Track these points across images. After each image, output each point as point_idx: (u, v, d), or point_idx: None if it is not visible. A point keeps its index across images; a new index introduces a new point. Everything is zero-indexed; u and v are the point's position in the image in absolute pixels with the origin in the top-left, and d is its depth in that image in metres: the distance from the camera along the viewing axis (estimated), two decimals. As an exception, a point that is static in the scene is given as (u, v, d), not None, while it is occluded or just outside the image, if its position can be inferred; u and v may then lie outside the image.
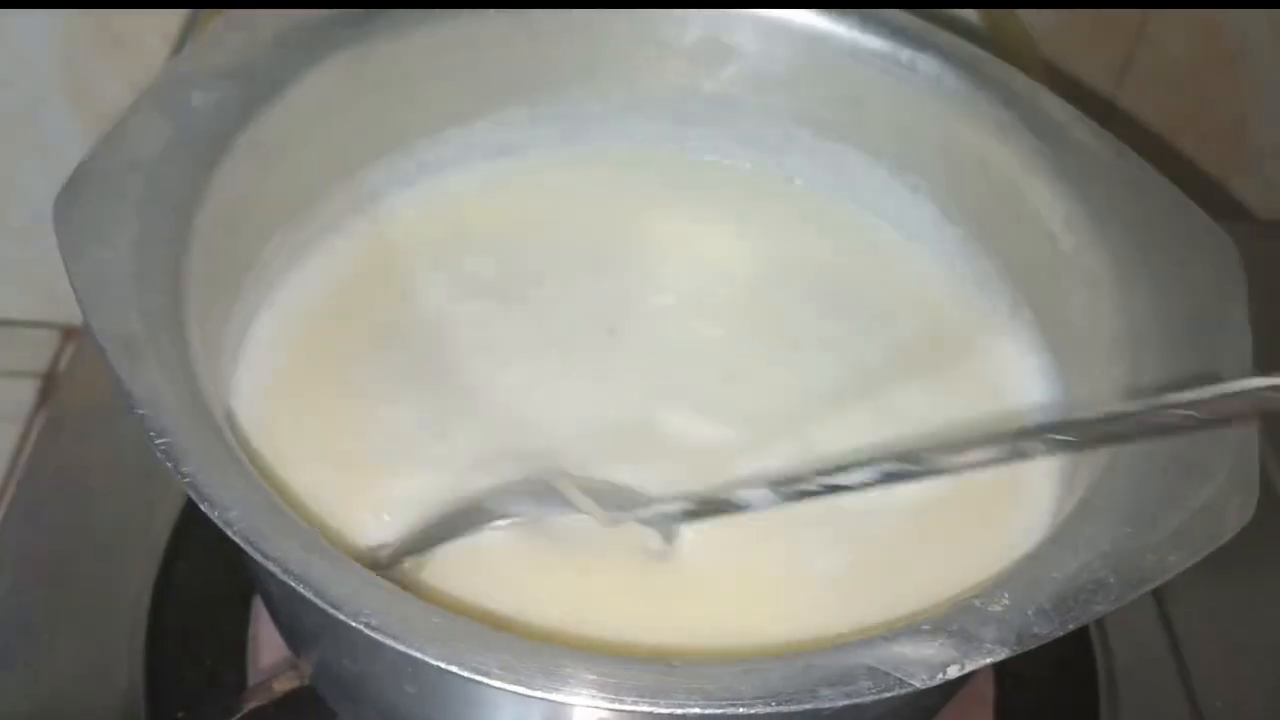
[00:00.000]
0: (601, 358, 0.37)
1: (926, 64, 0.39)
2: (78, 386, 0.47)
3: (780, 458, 0.35)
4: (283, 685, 0.34)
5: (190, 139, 0.32)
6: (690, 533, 0.32)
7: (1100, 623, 0.43)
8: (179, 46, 0.56)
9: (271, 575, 0.30)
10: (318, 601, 0.24)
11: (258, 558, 0.25)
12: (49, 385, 0.67)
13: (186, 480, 0.25)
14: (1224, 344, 0.32)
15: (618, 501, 0.32)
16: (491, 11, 0.39)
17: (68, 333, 0.69)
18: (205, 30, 0.35)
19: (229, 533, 0.25)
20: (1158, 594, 0.44)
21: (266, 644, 0.40)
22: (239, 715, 0.34)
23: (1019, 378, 0.38)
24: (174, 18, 0.56)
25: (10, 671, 0.38)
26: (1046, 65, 0.58)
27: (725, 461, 0.35)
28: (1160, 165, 0.37)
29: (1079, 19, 0.58)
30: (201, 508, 0.25)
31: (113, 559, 0.41)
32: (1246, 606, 0.45)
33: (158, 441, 0.26)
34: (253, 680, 0.38)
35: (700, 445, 0.35)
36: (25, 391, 0.66)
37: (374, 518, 0.32)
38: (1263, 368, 0.30)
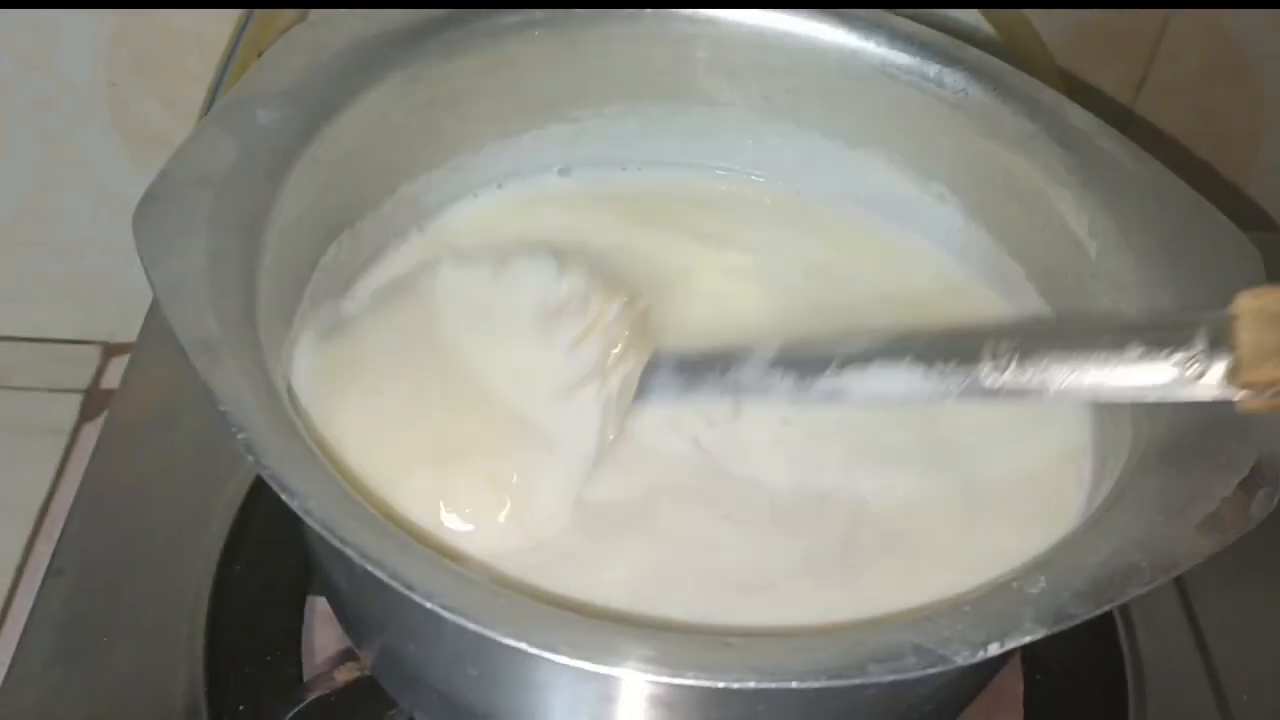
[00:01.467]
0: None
1: (953, 79, 0.41)
2: (131, 398, 0.49)
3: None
4: (344, 676, 0.35)
5: (256, 155, 0.34)
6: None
7: (1127, 618, 0.44)
8: (221, 69, 0.58)
9: (341, 565, 0.31)
10: (394, 584, 0.26)
11: (336, 543, 0.26)
12: (90, 400, 0.68)
13: (268, 471, 0.27)
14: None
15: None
16: (537, 32, 0.40)
17: (109, 349, 0.71)
18: (267, 53, 0.36)
19: (309, 520, 0.26)
20: (1183, 590, 0.45)
21: (322, 642, 0.42)
22: (303, 704, 0.35)
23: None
24: (215, 42, 0.58)
25: (74, 671, 0.39)
26: (1063, 73, 0.59)
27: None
28: (1180, 173, 0.39)
29: (1094, 33, 0.60)
30: (282, 497, 0.27)
31: (170, 563, 0.42)
32: (1271, 601, 0.46)
33: (239, 435, 0.27)
34: (309, 675, 0.39)
35: None
36: (69, 406, 0.68)
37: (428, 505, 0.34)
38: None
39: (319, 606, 0.43)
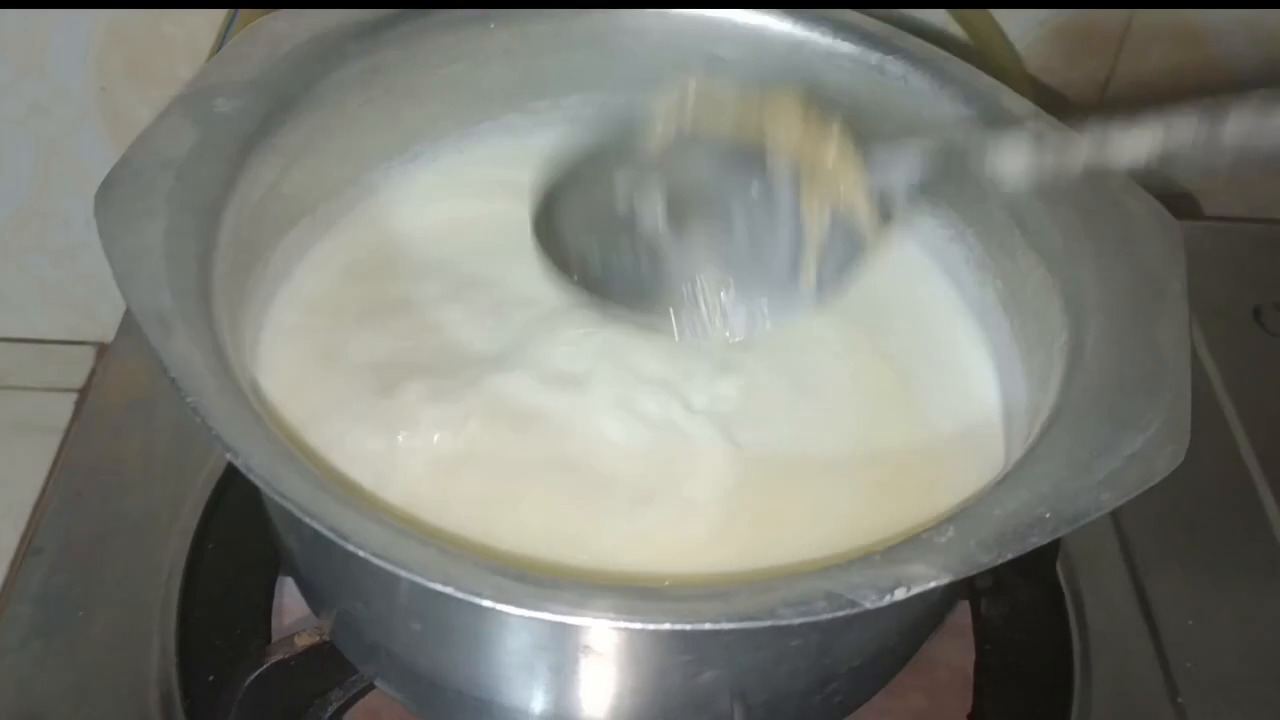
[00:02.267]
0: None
1: (894, 66, 0.42)
2: (109, 387, 0.50)
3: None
4: (304, 640, 0.37)
5: (216, 141, 0.36)
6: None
7: (1077, 595, 0.45)
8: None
9: (292, 528, 0.33)
10: (330, 534, 0.27)
11: (276, 498, 0.27)
12: (84, 400, 0.70)
13: (213, 432, 0.28)
14: (1161, 311, 0.34)
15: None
16: (492, 25, 0.42)
17: (102, 350, 0.73)
18: (229, 44, 0.38)
19: (251, 476, 0.28)
20: (1132, 567, 0.46)
21: (290, 618, 0.43)
22: (262, 667, 0.36)
23: (976, 347, 0.41)
24: (205, 47, 0.59)
25: (55, 642, 0.41)
26: (1033, 82, 0.60)
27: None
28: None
29: (1060, 33, 0.61)
30: (226, 455, 0.28)
31: (147, 541, 0.44)
32: (1219, 577, 0.47)
33: (188, 399, 0.29)
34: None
35: None
36: (63, 406, 0.70)
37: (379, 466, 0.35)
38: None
39: (288, 588, 0.44)
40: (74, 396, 0.70)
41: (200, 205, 0.34)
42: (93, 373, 0.72)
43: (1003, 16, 0.59)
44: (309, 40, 0.39)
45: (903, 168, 0.36)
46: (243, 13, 0.56)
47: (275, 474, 0.28)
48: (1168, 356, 0.33)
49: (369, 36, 0.40)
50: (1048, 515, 0.29)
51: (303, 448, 0.34)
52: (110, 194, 0.33)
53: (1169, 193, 0.38)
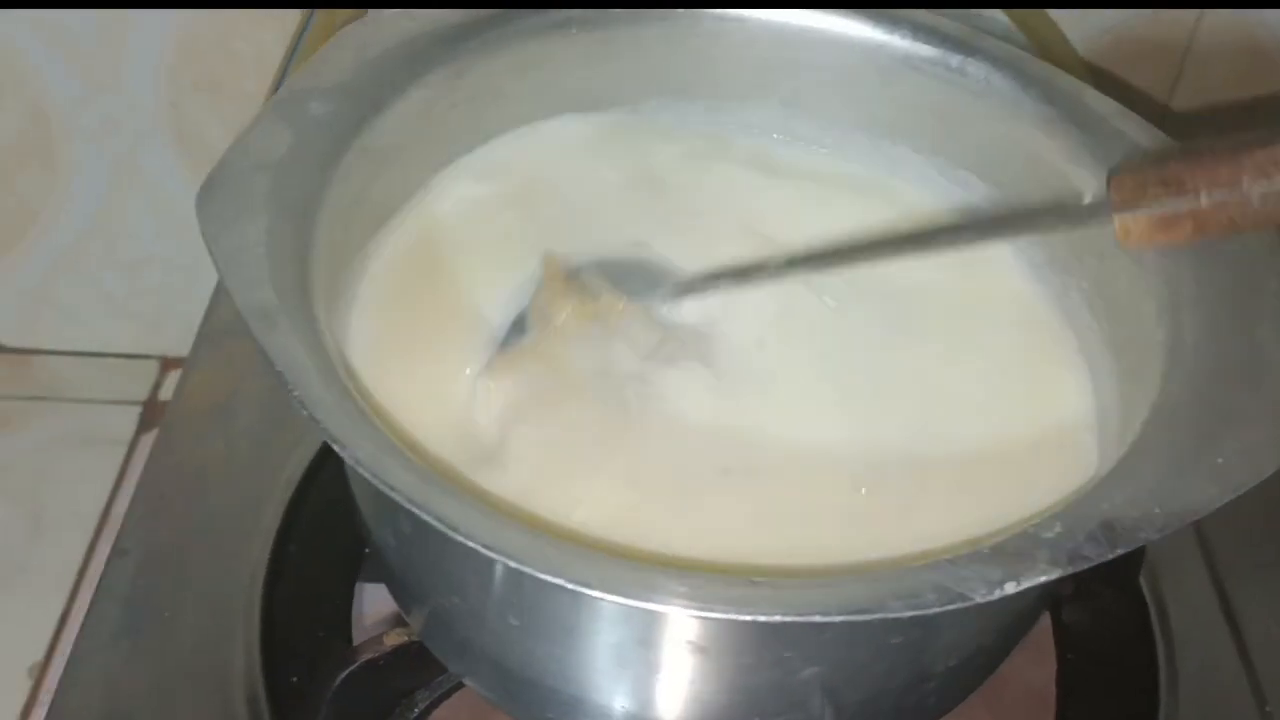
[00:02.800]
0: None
1: (975, 68, 0.42)
2: (189, 396, 0.51)
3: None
4: (392, 640, 0.37)
5: (310, 144, 0.36)
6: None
7: (1160, 602, 0.45)
8: (275, 88, 0.60)
9: (389, 523, 0.33)
10: (436, 524, 0.27)
11: (383, 488, 0.28)
12: (148, 412, 0.71)
13: (319, 425, 0.29)
14: (1259, 308, 0.34)
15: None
16: (574, 30, 0.42)
17: (166, 363, 0.74)
18: (321, 49, 0.39)
19: (359, 468, 0.28)
20: (1215, 574, 0.46)
21: (372, 621, 0.44)
22: (352, 666, 0.37)
23: (1067, 350, 0.40)
24: (272, 63, 0.60)
25: (141, 642, 0.41)
26: (1090, 67, 0.60)
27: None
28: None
29: (1124, 41, 0.61)
30: (334, 448, 0.29)
31: (229, 543, 0.44)
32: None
33: (294, 393, 0.29)
34: (359, 642, 0.41)
35: None
36: (128, 418, 0.71)
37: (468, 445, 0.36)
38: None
39: (367, 592, 0.45)
40: (139, 409, 0.71)
41: (297, 206, 0.35)
42: (157, 384, 0.73)
43: (1066, 24, 0.59)
44: (396, 45, 0.40)
45: None
46: (320, 12, 0.57)
47: (382, 466, 0.28)
48: (1269, 352, 0.32)
49: (454, 42, 0.41)
50: (1157, 510, 0.28)
51: (406, 441, 0.34)
52: (211, 195, 0.34)
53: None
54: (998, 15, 0.58)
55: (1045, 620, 0.44)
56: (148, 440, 0.69)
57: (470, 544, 0.27)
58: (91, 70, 0.62)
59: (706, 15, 0.43)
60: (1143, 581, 0.45)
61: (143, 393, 0.73)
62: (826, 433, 0.37)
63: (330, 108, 0.37)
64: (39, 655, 0.59)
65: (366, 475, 0.28)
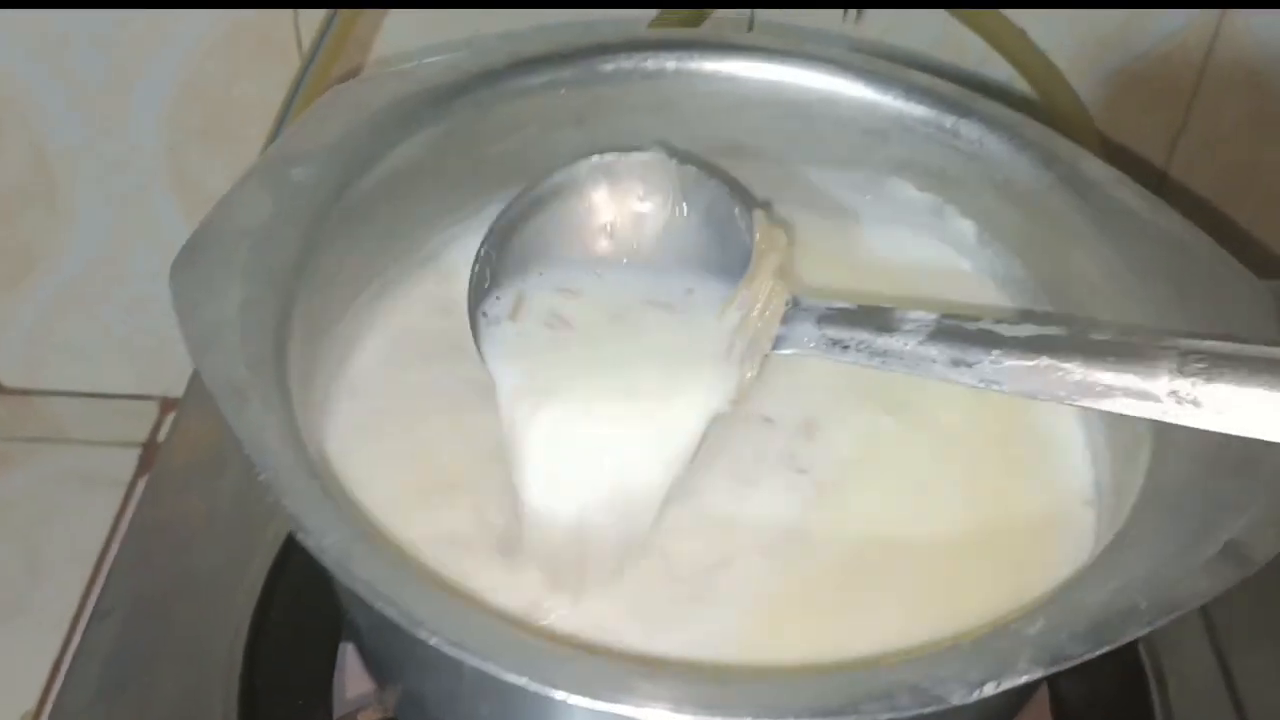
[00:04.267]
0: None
1: (969, 129, 0.41)
2: (178, 447, 0.50)
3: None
4: (368, 716, 0.36)
5: (291, 210, 0.36)
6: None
7: (1159, 671, 0.44)
8: (273, 134, 0.60)
9: (361, 605, 0.32)
10: (400, 620, 0.26)
11: (347, 581, 0.27)
12: (148, 454, 0.71)
13: (287, 510, 0.28)
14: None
15: None
16: (563, 90, 0.42)
17: (166, 404, 0.73)
18: (308, 110, 0.38)
19: (322, 559, 0.28)
20: (1217, 645, 0.45)
21: (353, 687, 0.43)
22: (328, 741, 0.36)
23: (1065, 423, 0.39)
24: (273, 108, 0.60)
25: (119, 700, 0.41)
26: (1101, 138, 0.59)
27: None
28: (1214, 231, 0.39)
29: (1130, 86, 0.60)
30: (298, 536, 0.28)
31: (211, 602, 0.44)
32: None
33: (261, 476, 0.29)
34: (338, 714, 0.40)
35: None
36: (127, 460, 0.70)
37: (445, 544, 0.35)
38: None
39: (350, 653, 0.44)
40: (138, 451, 0.71)
41: (275, 275, 0.34)
42: (156, 426, 0.73)
43: (1071, 66, 0.58)
44: (386, 105, 0.39)
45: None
46: (308, 81, 0.57)
47: (348, 554, 0.28)
48: (1264, 436, 0.31)
49: (443, 101, 0.40)
50: (1144, 605, 0.28)
51: (374, 525, 0.33)
52: (186, 264, 0.33)
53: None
54: (999, 61, 0.57)
55: (1043, 689, 0.43)
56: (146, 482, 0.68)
57: (434, 641, 0.26)
58: (95, 114, 0.62)
59: (698, 75, 0.43)
60: (1142, 651, 0.44)
61: (142, 434, 0.72)
62: (805, 519, 0.36)
63: (315, 171, 0.37)
64: (31, 703, 0.59)
65: (331, 567, 0.27)
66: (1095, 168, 0.40)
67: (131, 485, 0.69)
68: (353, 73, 0.58)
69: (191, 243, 0.34)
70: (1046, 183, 0.40)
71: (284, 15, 0.57)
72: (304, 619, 0.44)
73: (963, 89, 0.42)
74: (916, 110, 0.42)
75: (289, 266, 0.35)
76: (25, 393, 0.73)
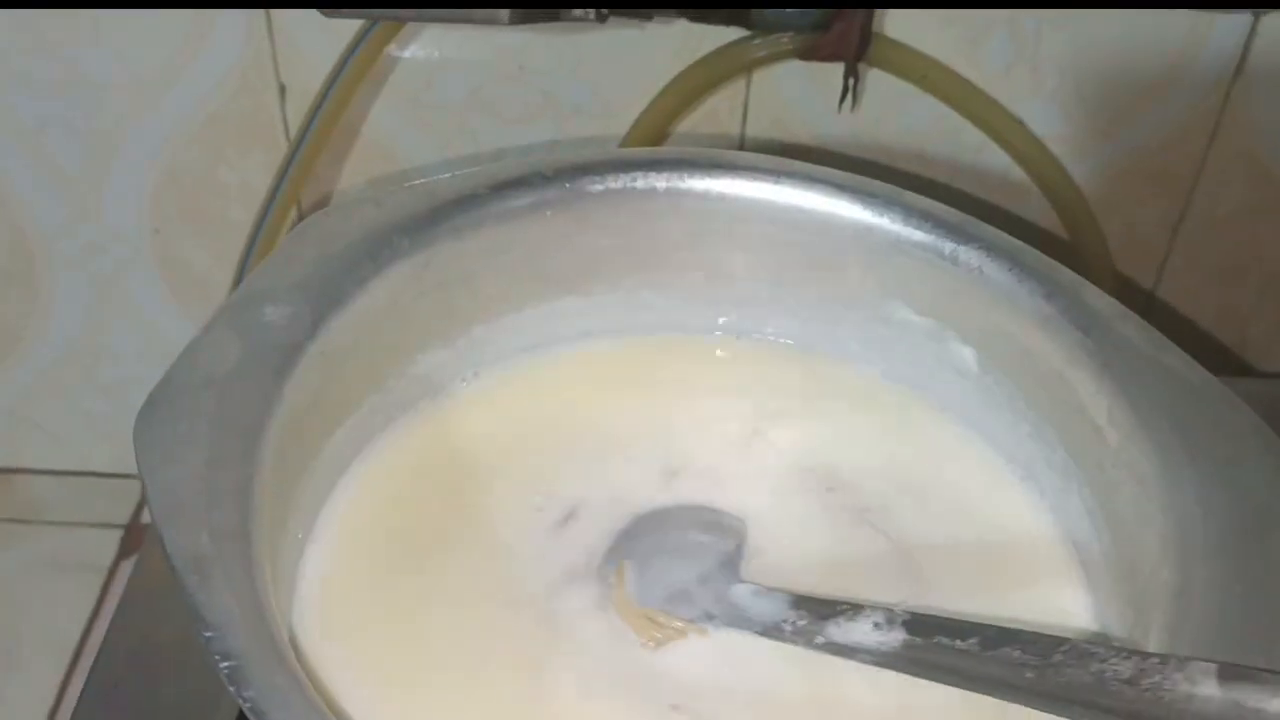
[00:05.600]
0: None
1: (968, 255, 0.40)
2: (150, 568, 0.49)
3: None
4: None
5: (261, 354, 0.34)
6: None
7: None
8: (260, 218, 0.59)
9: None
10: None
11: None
12: (129, 536, 0.69)
13: (248, 705, 0.27)
14: (1273, 548, 0.32)
15: None
16: (549, 212, 0.41)
17: (147, 485, 0.72)
18: (279, 245, 0.37)
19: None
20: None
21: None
22: None
23: (1066, 565, 0.38)
24: (257, 191, 0.59)
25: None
26: (1101, 233, 0.58)
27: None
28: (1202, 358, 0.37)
29: (1131, 173, 0.59)
30: (258, 733, 0.26)
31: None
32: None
33: (222, 665, 0.27)
34: None
35: None
36: (108, 542, 0.69)
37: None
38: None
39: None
40: (119, 533, 0.70)
41: (243, 427, 0.33)
42: (139, 508, 0.71)
43: (1069, 154, 0.57)
44: (360, 237, 0.38)
45: None
46: (295, 167, 0.56)
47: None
48: (1283, 610, 0.30)
49: (422, 230, 0.39)
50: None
51: (344, 713, 0.32)
52: (150, 418, 0.32)
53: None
54: (997, 149, 0.56)
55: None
56: (127, 566, 0.67)
57: None
58: (76, 197, 0.61)
59: (688, 194, 0.42)
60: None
61: (124, 515, 0.71)
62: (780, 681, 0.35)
63: (287, 309, 0.36)
64: (4, 805, 0.57)
65: (293, 772, 0.26)
66: (1097, 299, 0.39)
67: (112, 569, 0.68)
68: (338, 161, 0.57)
69: (154, 396, 0.32)
70: (1047, 314, 0.39)
71: (270, 99, 0.56)
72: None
73: (963, 215, 0.41)
74: (914, 234, 0.41)
75: (259, 414, 0.33)
76: (3, 471, 0.72)
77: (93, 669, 0.45)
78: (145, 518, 0.70)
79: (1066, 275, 0.39)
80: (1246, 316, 0.64)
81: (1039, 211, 0.59)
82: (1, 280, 0.64)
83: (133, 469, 0.71)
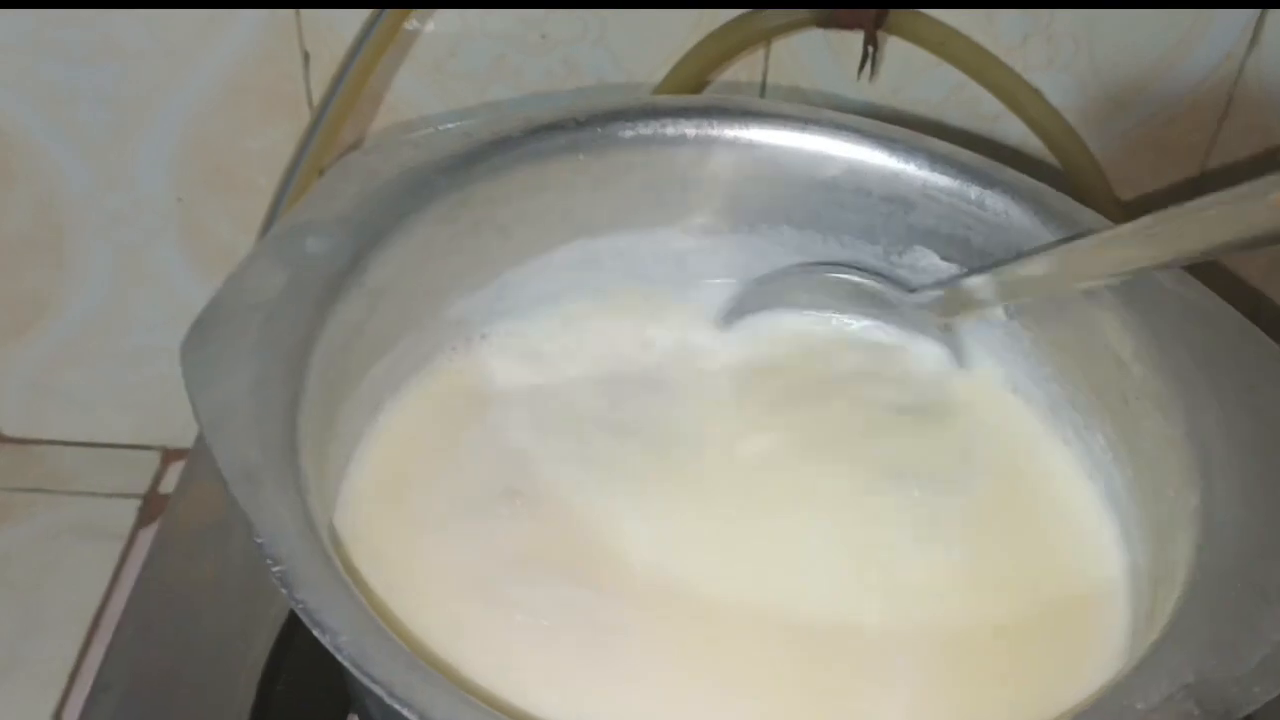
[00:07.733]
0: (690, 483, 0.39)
1: (994, 200, 0.41)
2: (186, 507, 0.49)
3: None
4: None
5: (305, 282, 0.35)
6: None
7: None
8: (283, 184, 0.60)
9: (374, 698, 0.31)
10: (418, 721, 0.25)
11: (365, 681, 0.26)
12: (148, 505, 0.70)
13: (300, 606, 0.27)
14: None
15: None
16: (581, 155, 0.41)
17: (168, 455, 0.72)
18: (319, 180, 0.38)
19: (339, 657, 0.27)
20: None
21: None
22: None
23: (1092, 501, 0.38)
24: (282, 158, 0.60)
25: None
26: (1117, 201, 0.59)
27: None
28: (1229, 294, 0.38)
29: (1145, 144, 0.60)
30: (314, 633, 0.27)
31: (216, 677, 0.43)
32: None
33: (274, 569, 0.28)
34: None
35: None
36: (127, 511, 0.70)
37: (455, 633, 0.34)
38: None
39: (359, 724, 0.43)
40: (138, 502, 0.70)
41: (288, 349, 0.33)
42: (158, 477, 0.72)
43: (1084, 125, 0.58)
44: (399, 175, 0.39)
45: None
46: (321, 133, 0.56)
47: (364, 653, 0.27)
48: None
49: (459, 170, 0.40)
50: (1196, 713, 0.26)
51: (388, 616, 0.32)
52: (196, 341, 0.32)
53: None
54: (1012, 120, 0.57)
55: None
56: (146, 534, 0.68)
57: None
58: (103, 165, 0.61)
59: (718, 141, 0.42)
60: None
61: (143, 485, 0.72)
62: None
63: (329, 241, 0.36)
64: (26, 765, 0.57)
65: (348, 666, 0.26)
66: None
67: (131, 538, 0.68)
68: (361, 128, 0.58)
69: (202, 319, 0.33)
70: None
71: (294, 67, 0.57)
72: (309, 696, 0.43)
73: (987, 160, 0.41)
74: (940, 180, 0.41)
75: (303, 340, 0.34)
76: (26, 442, 0.72)
77: (116, 631, 0.46)
78: (164, 488, 0.71)
79: (1089, 215, 0.40)
80: (1258, 291, 0.64)
81: (1054, 181, 0.59)
82: (29, 250, 0.64)
83: (154, 440, 0.73)
